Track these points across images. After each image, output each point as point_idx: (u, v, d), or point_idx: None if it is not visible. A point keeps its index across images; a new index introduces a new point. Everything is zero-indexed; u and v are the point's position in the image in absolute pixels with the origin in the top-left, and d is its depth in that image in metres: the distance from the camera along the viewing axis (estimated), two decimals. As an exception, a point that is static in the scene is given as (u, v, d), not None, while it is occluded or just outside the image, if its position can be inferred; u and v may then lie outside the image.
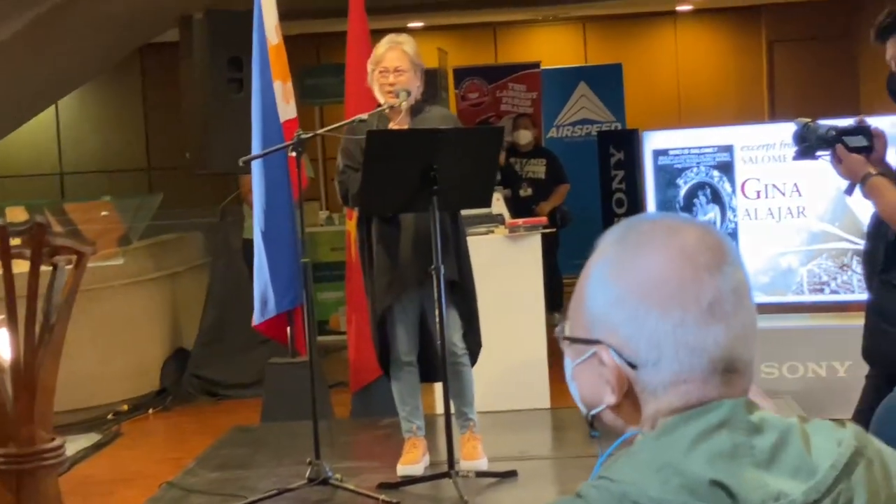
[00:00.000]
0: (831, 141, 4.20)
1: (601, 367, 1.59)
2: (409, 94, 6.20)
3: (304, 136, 6.16)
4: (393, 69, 6.23)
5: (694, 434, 1.50)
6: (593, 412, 1.63)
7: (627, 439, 1.58)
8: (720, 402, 1.53)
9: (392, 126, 6.26)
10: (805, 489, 1.48)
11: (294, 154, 6.18)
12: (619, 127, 15.16)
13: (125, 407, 9.18)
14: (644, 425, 1.58)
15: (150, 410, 9.28)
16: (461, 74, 15.18)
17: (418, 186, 5.93)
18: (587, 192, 13.81)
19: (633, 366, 1.56)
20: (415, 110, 6.36)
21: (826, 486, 1.49)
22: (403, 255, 6.26)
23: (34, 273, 4.91)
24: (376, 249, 6.31)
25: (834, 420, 1.60)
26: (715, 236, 1.59)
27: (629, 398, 1.58)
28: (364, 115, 6.25)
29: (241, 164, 6.42)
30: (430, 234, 5.97)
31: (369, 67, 6.37)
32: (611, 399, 1.59)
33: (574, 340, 1.64)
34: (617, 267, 1.59)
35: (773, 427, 1.53)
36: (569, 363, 1.66)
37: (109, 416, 8.93)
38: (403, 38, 6.41)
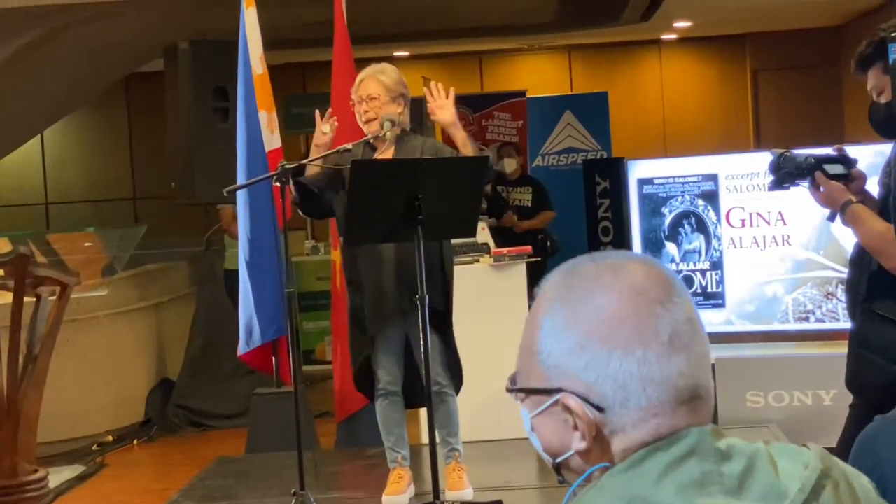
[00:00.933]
0: (810, 169, 4.21)
1: (565, 414, 1.58)
2: (392, 123, 6.20)
3: (288, 167, 6.16)
4: (366, 97, 6.25)
5: (662, 465, 1.50)
6: (559, 459, 1.62)
7: (594, 472, 1.57)
8: (687, 431, 1.53)
9: (377, 156, 6.26)
10: None
11: (278, 184, 6.18)
12: (605, 155, 15.17)
13: (109, 438, 9.15)
14: (614, 460, 1.57)
15: (135, 441, 9.25)
16: (447, 103, 15.18)
17: (403, 216, 5.91)
18: (573, 221, 13.81)
19: (600, 409, 1.55)
20: (400, 139, 6.36)
21: None
22: (388, 284, 6.25)
23: (18, 304, 4.92)
24: (362, 278, 6.30)
25: (799, 444, 1.61)
26: (659, 269, 1.60)
27: (598, 441, 1.57)
28: (349, 145, 6.25)
29: (225, 193, 6.41)
30: (415, 263, 5.97)
31: (352, 98, 6.39)
32: (580, 445, 1.58)
33: (531, 392, 1.62)
34: (569, 314, 1.58)
35: (741, 453, 1.53)
36: (526, 414, 1.64)
37: (94, 448, 8.90)
38: (382, 66, 6.43)
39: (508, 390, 1.67)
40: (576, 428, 1.58)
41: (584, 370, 1.55)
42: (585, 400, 1.55)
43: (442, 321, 6.35)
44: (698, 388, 1.56)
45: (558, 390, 1.57)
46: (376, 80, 6.29)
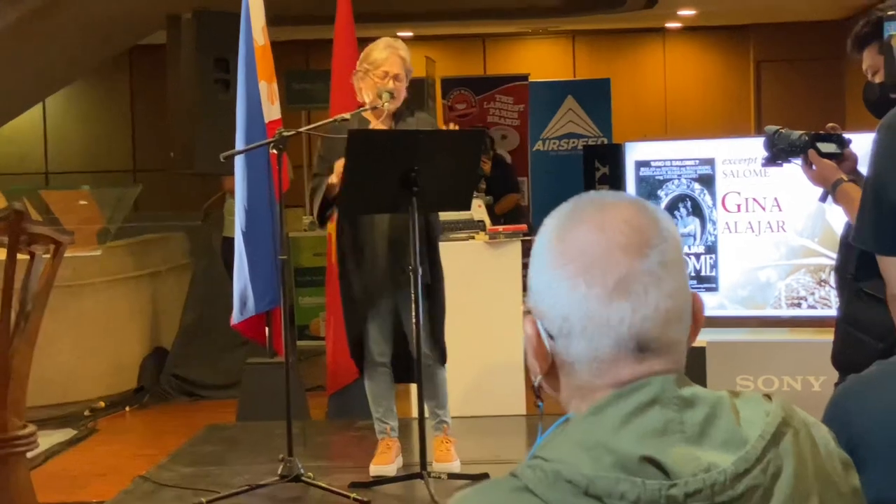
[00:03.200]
0: (803, 146, 4.22)
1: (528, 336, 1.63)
2: (391, 95, 6.22)
3: (285, 134, 6.18)
4: (393, 75, 6.28)
5: (624, 412, 1.51)
6: (535, 382, 1.66)
7: (564, 422, 1.58)
8: (650, 379, 1.55)
9: (373, 127, 6.29)
10: (735, 459, 1.49)
11: (275, 151, 6.19)
12: (606, 142, 15.19)
13: (102, 404, 9.17)
14: (572, 399, 1.60)
15: (127, 408, 9.27)
16: (449, 85, 15.20)
17: (398, 187, 5.94)
18: (571, 206, 13.80)
19: (551, 336, 1.59)
20: (398, 115, 6.39)
21: (755, 455, 1.51)
22: (380, 257, 6.28)
23: (11, 261, 4.93)
24: (354, 250, 6.33)
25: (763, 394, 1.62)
26: (644, 218, 1.59)
27: (555, 370, 1.61)
28: (347, 115, 6.28)
29: (222, 159, 6.42)
30: (407, 235, 6.00)
31: (362, 66, 6.38)
32: (541, 367, 1.62)
33: (526, 312, 1.66)
34: (549, 237, 1.61)
35: (704, 401, 1.54)
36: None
37: (86, 413, 8.92)
38: (399, 43, 6.48)
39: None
40: (535, 351, 1.62)
41: (543, 293, 1.59)
42: (542, 325, 1.59)
43: (432, 294, 6.38)
44: (648, 341, 1.56)
45: (528, 312, 1.62)
46: (399, 56, 6.34)
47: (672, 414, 1.52)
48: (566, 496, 1.46)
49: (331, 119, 6.43)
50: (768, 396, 1.61)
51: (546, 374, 1.62)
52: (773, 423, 1.55)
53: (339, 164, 6.05)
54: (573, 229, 1.59)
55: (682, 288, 1.59)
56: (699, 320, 1.64)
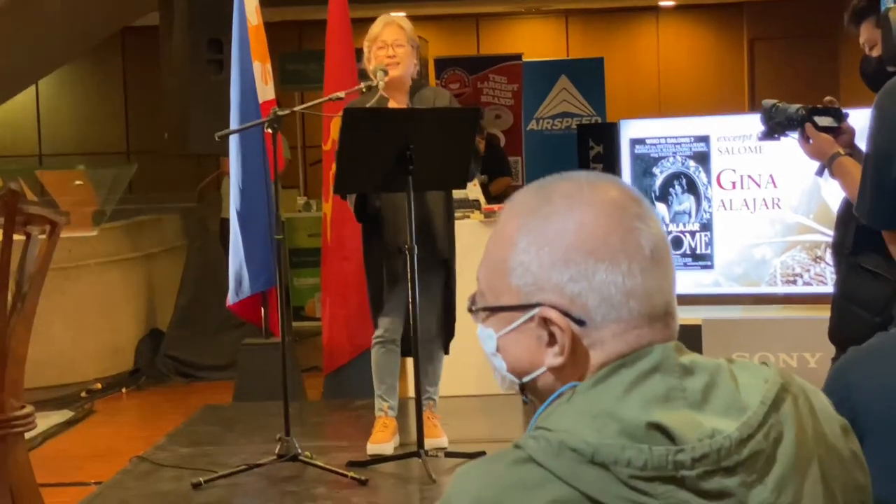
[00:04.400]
0: (800, 120, 4.22)
1: (540, 329, 1.58)
2: (385, 73, 6.21)
3: (280, 113, 6.17)
4: (392, 42, 6.27)
5: (628, 380, 1.51)
6: (527, 378, 1.62)
7: (565, 392, 1.58)
8: (651, 347, 1.55)
9: (392, 105, 6.28)
10: (738, 425, 1.50)
11: (270, 130, 6.18)
12: (600, 121, 15.18)
13: (98, 385, 9.17)
14: (587, 377, 1.58)
15: (124, 389, 9.27)
16: (442, 65, 15.18)
17: (394, 166, 5.94)
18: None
19: (580, 322, 1.56)
20: (413, 89, 6.39)
21: (758, 420, 1.51)
22: (402, 236, 6.20)
23: (7, 241, 4.91)
24: (381, 228, 6.30)
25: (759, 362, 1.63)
26: (629, 188, 1.63)
27: (573, 356, 1.58)
28: (341, 94, 6.27)
29: (217, 138, 6.41)
30: (430, 216, 6.02)
31: (366, 45, 6.38)
32: (555, 361, 1.58)
33: (503, 309, 1.62)
34: (550, 229, 1.58)
35: (703, 368, 1.55)
36: (490, 335, 1.65)
37: (83, 394, 8.92)
38: (399, 17, 6.48)
39: (471, 310, 1.68)
40: (550, 344, 1.58)
41: (569, 283, 1.56)
42: (566, 314, 1.56)
43: (448, 275, 6.40)
44: (670, 304, 1.60)
45: (536, 305, 1.58)
46: (398, 26, 6.34)
47: (674, 381, 1.52)
48: (571, 465, 1.45)
49: (326, 97, 6.42)
50: (765, 363, 1.62)
51: (556, 367, 1.59)
52: (773, 389, 1.55)
53: None
54: (580, 213, 1.58)
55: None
56: None
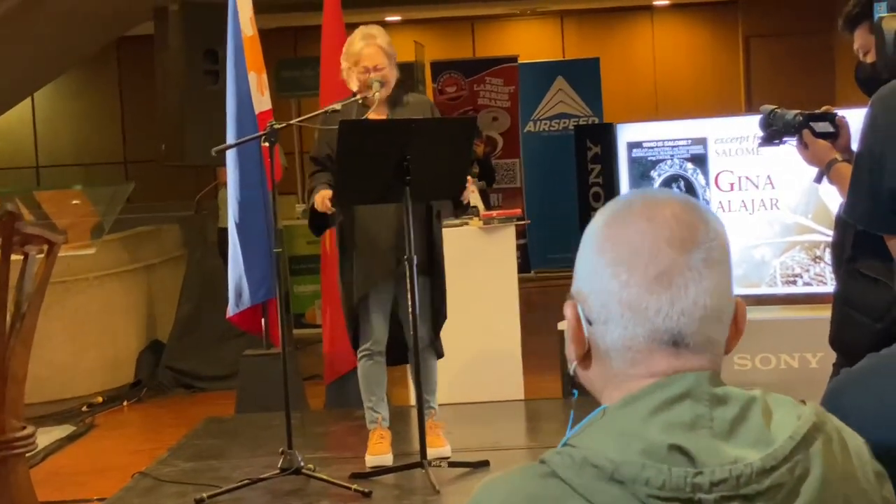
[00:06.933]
0: (798, 126, 4.21)
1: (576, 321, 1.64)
2: (381, 84, 6.21)
3: (276, 126, 6.17)
4: (373, 67, 6.25)
5: (655, 403, 1.52)
6: (571, 368, 1.67)
7: (599, 413, 1.59)
8: (685, 374, 1.55)
9: (370, 116, 6.27)
10: (763, 456, 1.50)
11: (266, 144, 6.17)
12: (597, 121, 15.17)
13: (100, 399, 9.16)
14: (606, 388, 1.61)
15: (125, 402, 9.26)
16: (439, 68, 15.18)
17: (391, 177, 5.93)
18: (564, 187, 13.83)
19: (589, 322, 1.60)
20: (392, 101, 6.38)
21: (784, 454, 1.51)
22: (382, 245, 6.27)
23: (5, 262, 4.90)
24: (357, 237, 6.32)
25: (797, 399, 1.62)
26: (695, 215, 1.60)
27: (592, 358, 1.63)
28: (337, 105, 6.26)
29: (213, 153, 6.41)
30: (412, 224, 6.01)
31: (344, 63, 6.37)
32: (575, 354, 1.63)
33: (568, 297, 1.68)
34: (596, 228, 1.63)
35: (736, 400, 1.55)
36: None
37: (84, 408, 8.91)
38: (375, 30, 6.44)
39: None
40: (574, 335, 1.63)
41: (585, 280, 1.61)
42: (582, 310, 1.61)
43: (433, 282, 6.39)
44: (683, 336, 1.56)
45: (570, 297, 1.64)
46: (377, 46, 6.30)
47: (703, 409, 1.52)
48: (591, 481, 1.47)
49: (321, 110, 6.41)
50: (803, 401, 1.62)
51: (581, 361, 1.64)
52: (804, 426, 1.55)
53: (322, 195, 6.08)
54: (623, 219, 1.61)
55: (724, 288, 1.60)
56: (740, 327, 1.65)
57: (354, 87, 6.33)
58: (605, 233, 1.61)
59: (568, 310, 1.64)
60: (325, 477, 6.05)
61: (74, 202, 9.45)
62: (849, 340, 4.49)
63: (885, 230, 3.64)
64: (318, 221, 6.39)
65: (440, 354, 6.56)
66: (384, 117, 6.33)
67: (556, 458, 1.51)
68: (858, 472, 1.60)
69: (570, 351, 1.65)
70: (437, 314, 6.48)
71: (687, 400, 1.53)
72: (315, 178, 6.32)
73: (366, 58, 6.27)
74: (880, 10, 4.01)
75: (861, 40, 4.40)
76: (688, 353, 1.57)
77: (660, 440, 1.48)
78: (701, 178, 8.01)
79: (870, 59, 4.35)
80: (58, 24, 10.22)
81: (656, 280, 1.56)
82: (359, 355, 6.49)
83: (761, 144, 4.47)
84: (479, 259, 7.88)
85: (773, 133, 4.35)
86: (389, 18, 15.56)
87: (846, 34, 4.44)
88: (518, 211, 8.43)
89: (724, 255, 1.60)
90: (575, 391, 1.74)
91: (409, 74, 12.89)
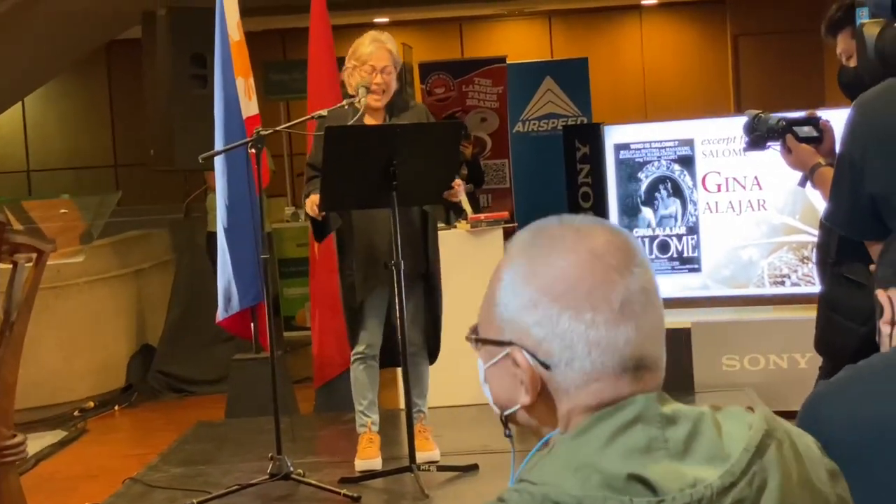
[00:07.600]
0: (781, 131, 4.23)
1: (515, 368, 1.61)
2: (367, 90, 6.21)
3: (263, 133, 6.18)
4: (381, 69, 6.26)
5: (609, 432, 1.53)
6: (507, 412, 1.66)
7: (547, 442, 1.60)
8: (633, 398, 1.56)
9: (368, 121, 6.28)
10: (721, 473, 1.51)
11: (253, 151, 6.19)
12: (586, 121, 15.15)
13: (91, 404, 9.17)
14: (559, 424, 1.60)
15: (116, 407, 9.27)
16: (427, 69, 15.16)
17: (378, 182, 5.94)
18: (553, 187, 13.80)
19: (546, 366, 1.58)
20: (391, 108, 6.37)
21: (741, 468, 1.52)
22: (378, 250, 6.26)
23: (-7, 271, 4.92)
24: (355, 242, 6.32)
25: (744, 407, 1.64)
26: (622, 237, 1.62)
27: (543, 398, 1.61)
28: (324, 112, 6.27)
29: (200, 160, 6.43)
30: (407, 229, 6.02)
31: (349, 62, 6.36)
32: (525, 399, 1.61)
33: (485, 342, 1.66)
34: (528, 270, 1.61)
35: (686, 418, 1.56)
36: (481, 365, 1.68)
37: (75, 413, 8.92)
38: (385, 36, 6.47)
39: (467, 338, 1.71)
40: (522, 382, 1.61)
41: (535, 326, 1.58)
42: (534, 356, 1.58)
43: (429, 286, 6.40)
44: (644, 358, 1.58)
45: (510, 343, 1.61)
46: (387, 49, 6.32)
47: (655, 431, 1.53)
48: None
49: (308, 116, 6.43)
50: (751, 408, 1.63)
51: (530, 405, 1.62)
52: (757, 435, 1.56)
53: (311, 200, 6.09)
54: (558, 259, 1.59)
55: (661, 302, 1.62)
56: None
57: (353, 86, 6.32)
58: (546, 275, 1.59)
59: (509, 360, 1.61)
60: (314, 482, 6.06)
61: (62, 211, 9.46)
62: (835, 344, 4.53)
63: (864, 236, 3.67)
64: (318, 227, 6.39)
65: (433, 359, 6.56)
66: (387, 123, 6.34)
67: (516, 497, 1.50)
68: (812, 473, 1.62)
69: (516, 398, 1.62)
70: (436, 320, 6.49)
71: (638, 424, 1.53)
72: (310, 185, 6.33)
73: (375, 58, 6.27)
74: (862, 16, 4.04)
75: (843, 45, 4.43)
76: (647, 374, 1.59)
77: (618, 471, 1.48)
78: (688, 179, 8.04)
79: (852, 63, 4.38)
80: (46, 29, 10.22)
81: (621, 311, 1.56)
82: (352, 359, 6.50)
83: (746, 149, 4.50)
84: (467, 262, 7.88)
85: (757, 138, 4.37)
86: (378, 20, 15.56)
87: (829, 39, 4.48)
88: (506, 214, 8.44)
89: (649, 262, 1.63)
90: (509, 433, 1.71)
91: (397, 76, 12.89)
